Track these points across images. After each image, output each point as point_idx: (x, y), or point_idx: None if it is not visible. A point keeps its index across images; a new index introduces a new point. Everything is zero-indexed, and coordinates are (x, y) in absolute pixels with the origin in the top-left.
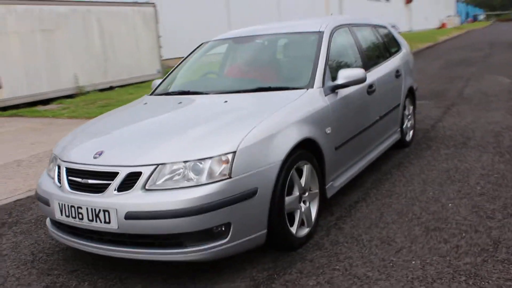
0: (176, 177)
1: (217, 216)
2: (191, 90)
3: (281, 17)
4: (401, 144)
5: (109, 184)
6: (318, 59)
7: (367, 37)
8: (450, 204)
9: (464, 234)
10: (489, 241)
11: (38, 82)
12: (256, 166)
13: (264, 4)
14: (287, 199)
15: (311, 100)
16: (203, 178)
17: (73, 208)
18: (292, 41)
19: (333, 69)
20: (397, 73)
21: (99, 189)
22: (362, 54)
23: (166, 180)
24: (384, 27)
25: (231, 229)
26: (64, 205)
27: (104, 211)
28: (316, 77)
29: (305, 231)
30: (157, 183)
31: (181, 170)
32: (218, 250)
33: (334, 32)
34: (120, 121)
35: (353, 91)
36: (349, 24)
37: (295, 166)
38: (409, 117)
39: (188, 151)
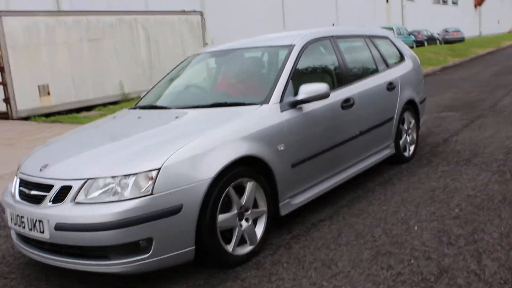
0: (107, 192)
1: (138, 231)
2: (159, 104)
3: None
4: (398, 159)
5: (46, 196)
6: (281, 74)
7: (354, 50)
8: (416, 227)
9: (412, 261)
10: (436, 270)
11: (84, 89)
12: (182, 183)
13: (322, 5)
14: (221, 216)
15: (262, 116)
16: (127, 194)
17: (18, 217)
18: (262, 56)
19: (303, 84)
20: (390, 86)
21: (39, 200)
22: (343, 67)
23: (98, 193)
24: (384, 38)
25: (153, 244)
26: (13, 213)
27: (39, 221)
28: (274, 93)
29: (247, 249)
30: (89, 196)
31: (112, 185)
32: (141, 264)
33: (308, 46)
34: (80, 135)
35: (321, 106)
36: (333, 37)
37: (232, 184)
38: (409, 131)
39: (117, 166)
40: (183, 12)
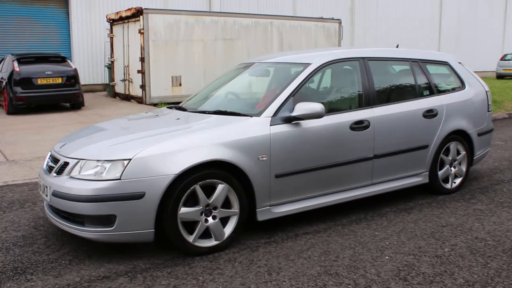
0: (94, 171)
1: (104, 207)
2: (183, 106)
3: None
4: (435, 190)
5: (54, 167)
6: (284, 89)
7: (391, 73)
8: (387, 257)
9: (350, 287)
10: None
11: None
12: (149, 174)
13: (486, 23)
14: (184, 209)
15: (248, 127)
16: (104, 175)
17: (41, 183)
18: (284, 71)
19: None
20: (429, 113)
21: (51, 170)
22: (366, 89)
23: (89, 172)
24: (443, 63)
25: (116, 220)
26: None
27: (46, 187)
28: (269, 107)
29: (211, 243)
30: (82, 173)
31: (99, 168)
32: (105, 235)
33: (327, 66)
34: (108, 124)
35: (322, 124)
36: (364, 58)
37: (200, 183)
38: (455, 163)
39: (104, 153)
40: (321, 19)
